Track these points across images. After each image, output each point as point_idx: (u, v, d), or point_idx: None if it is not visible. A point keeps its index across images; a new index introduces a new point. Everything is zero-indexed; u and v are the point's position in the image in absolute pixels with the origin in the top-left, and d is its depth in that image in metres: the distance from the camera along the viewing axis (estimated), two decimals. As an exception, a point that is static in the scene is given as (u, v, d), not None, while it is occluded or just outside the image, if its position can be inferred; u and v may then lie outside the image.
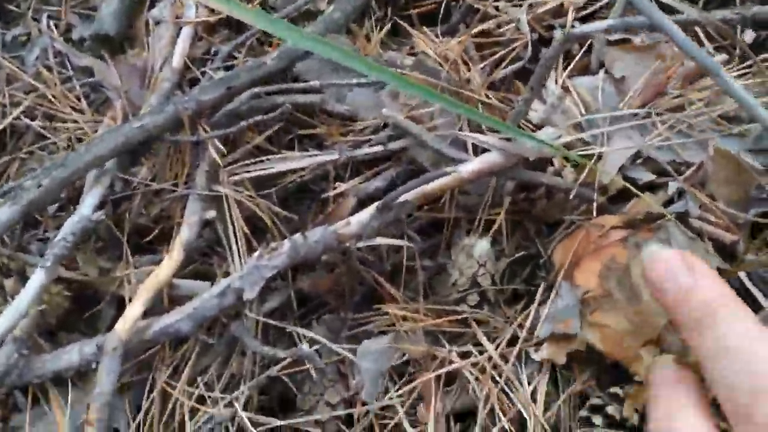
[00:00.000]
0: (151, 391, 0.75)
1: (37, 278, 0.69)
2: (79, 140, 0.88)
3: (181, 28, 0.83)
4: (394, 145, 0.76)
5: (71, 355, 0.69)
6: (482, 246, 0.74)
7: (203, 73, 0.81)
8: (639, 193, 0.68)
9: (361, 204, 0.75)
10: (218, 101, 0.74)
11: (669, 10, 0.82)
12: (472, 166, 0.70)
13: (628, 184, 0.69)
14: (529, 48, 0.83)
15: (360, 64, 0.45)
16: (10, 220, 0.72)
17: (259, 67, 0.75)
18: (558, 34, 0.70)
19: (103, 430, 0.65)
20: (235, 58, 0.84)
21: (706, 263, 0.37)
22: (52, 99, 0.90)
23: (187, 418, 0.72)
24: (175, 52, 0.81)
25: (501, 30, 0.85)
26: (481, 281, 0.73)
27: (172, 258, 0.70)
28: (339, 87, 0.74)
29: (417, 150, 0.74)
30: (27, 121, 0.90)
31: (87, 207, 0.74)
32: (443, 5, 0.88)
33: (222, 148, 0.74)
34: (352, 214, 0.71)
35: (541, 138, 0.71)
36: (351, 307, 0.80)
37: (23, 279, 0.75)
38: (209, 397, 0.73)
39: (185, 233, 0.72)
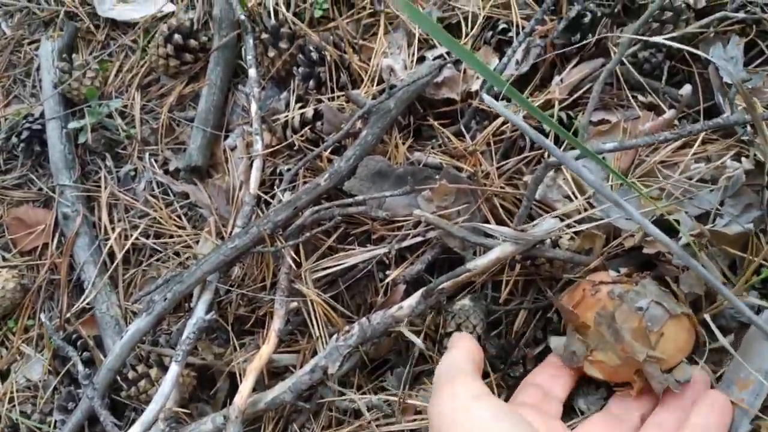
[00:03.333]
0: (264, 443, 0.99)
1: (173, 369, 0.93)
2: (186, 248, 1.13)
3: (253, 160, 1.07)
4: (431, 234, 0.97)
5: (207, 424, 0.92)
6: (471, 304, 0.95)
7: (273, 196, 1.04)
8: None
9: (408, 284, 0.97)
10: (288, 219, 0.97)
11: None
12: (491, 256, 0.88)
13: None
14: (527, 139, 1.04)
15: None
16: (147, 326, 0.98)
17: (315, 188, 0.98)
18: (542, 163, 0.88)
19: (236, 476, 0.89)
20: (297, 174, 1.07)
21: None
22: (160, 220, 1.15)
23: (293, 462, 0.96)
24: (251, 182, 1.04)
25: (504, 127, 1.05)
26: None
27: (269, 343, 0.93)
28: (378, 198, 0.96)
29: (447, 238, 0.95)
30: (143, 239, 1.15)
31: (200, 311, 0.99)
32: (457, 109, 1.09)
33: (294, 256, 0.97)
34: (403, 298, 0.92)
35: (547, 227, 0.90)
36: (408, 361, 1.02)
37: (162, 367, 1.00)
38: (308, 445, 0.97)
39: (276, 323, 0.95)
